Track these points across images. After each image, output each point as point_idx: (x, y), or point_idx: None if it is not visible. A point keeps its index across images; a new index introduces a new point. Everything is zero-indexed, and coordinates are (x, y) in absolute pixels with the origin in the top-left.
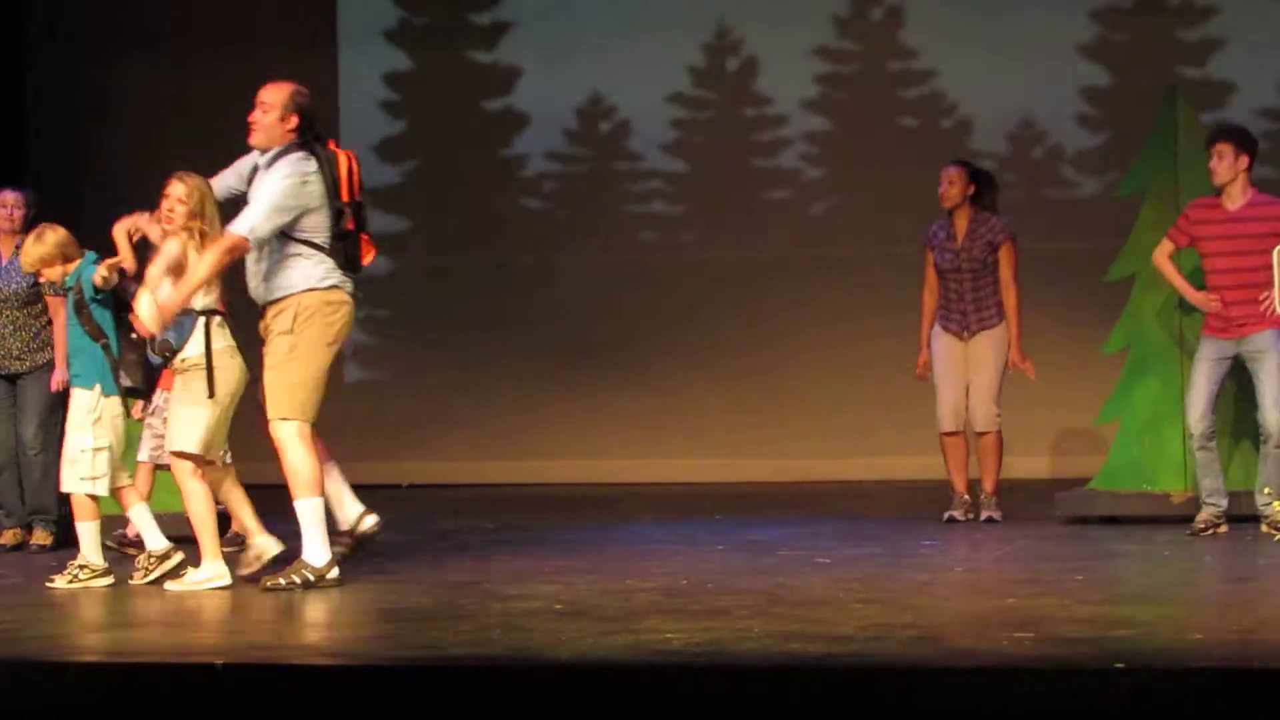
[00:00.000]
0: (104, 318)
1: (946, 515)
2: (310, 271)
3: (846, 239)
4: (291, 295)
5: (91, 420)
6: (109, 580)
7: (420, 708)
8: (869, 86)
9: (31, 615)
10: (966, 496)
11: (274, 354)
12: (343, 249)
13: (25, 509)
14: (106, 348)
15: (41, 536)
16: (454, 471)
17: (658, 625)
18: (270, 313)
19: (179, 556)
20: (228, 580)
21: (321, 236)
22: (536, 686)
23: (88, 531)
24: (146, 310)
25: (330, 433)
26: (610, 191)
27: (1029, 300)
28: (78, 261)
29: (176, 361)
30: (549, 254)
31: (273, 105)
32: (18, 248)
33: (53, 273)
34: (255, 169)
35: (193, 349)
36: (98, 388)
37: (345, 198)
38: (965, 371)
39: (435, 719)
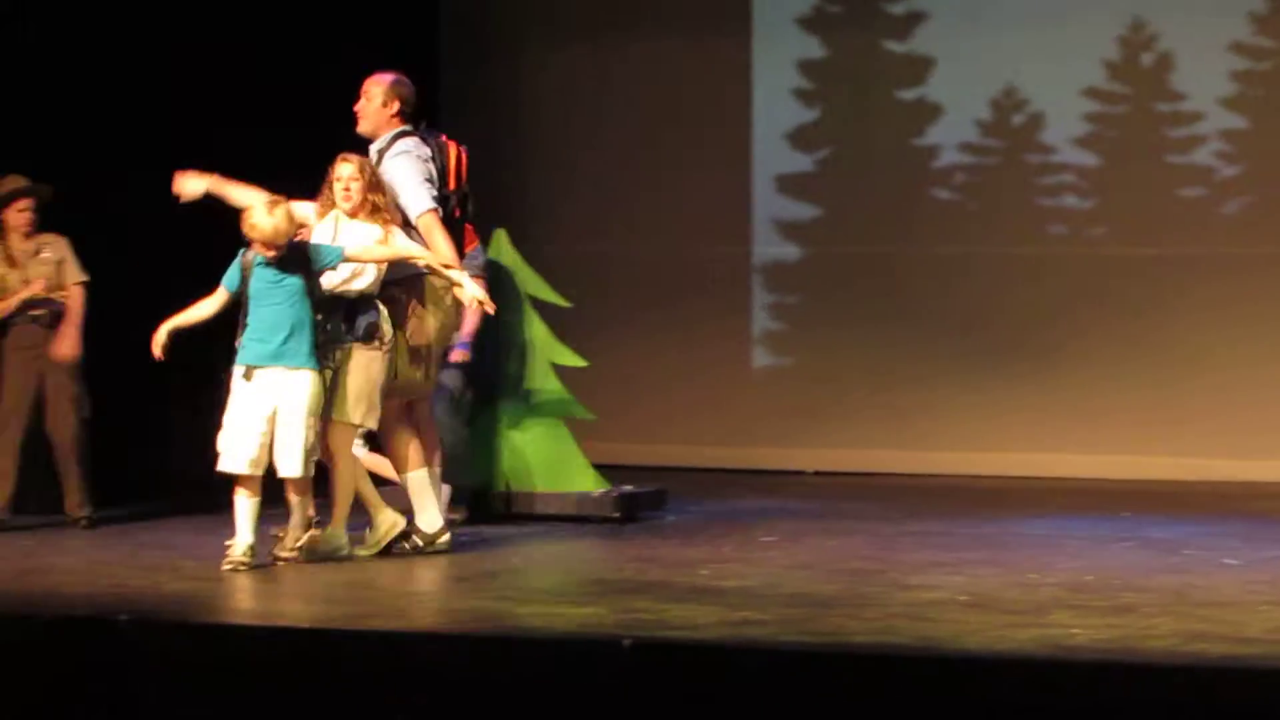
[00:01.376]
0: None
1: None
2: None
3: (1261, 239)
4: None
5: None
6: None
7: (821, 693)
8: None
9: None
10: None
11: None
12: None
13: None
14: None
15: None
16: (858, 460)
17: (1063, 620)
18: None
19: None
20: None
21: None
22: (941, 678)
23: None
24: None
25: (737, 418)
26: (1021, 184)
27: None
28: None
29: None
30: (958, 245)
31: (375, 94)
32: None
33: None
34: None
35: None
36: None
37: (452, 186)
38: None
39: (836, 705)
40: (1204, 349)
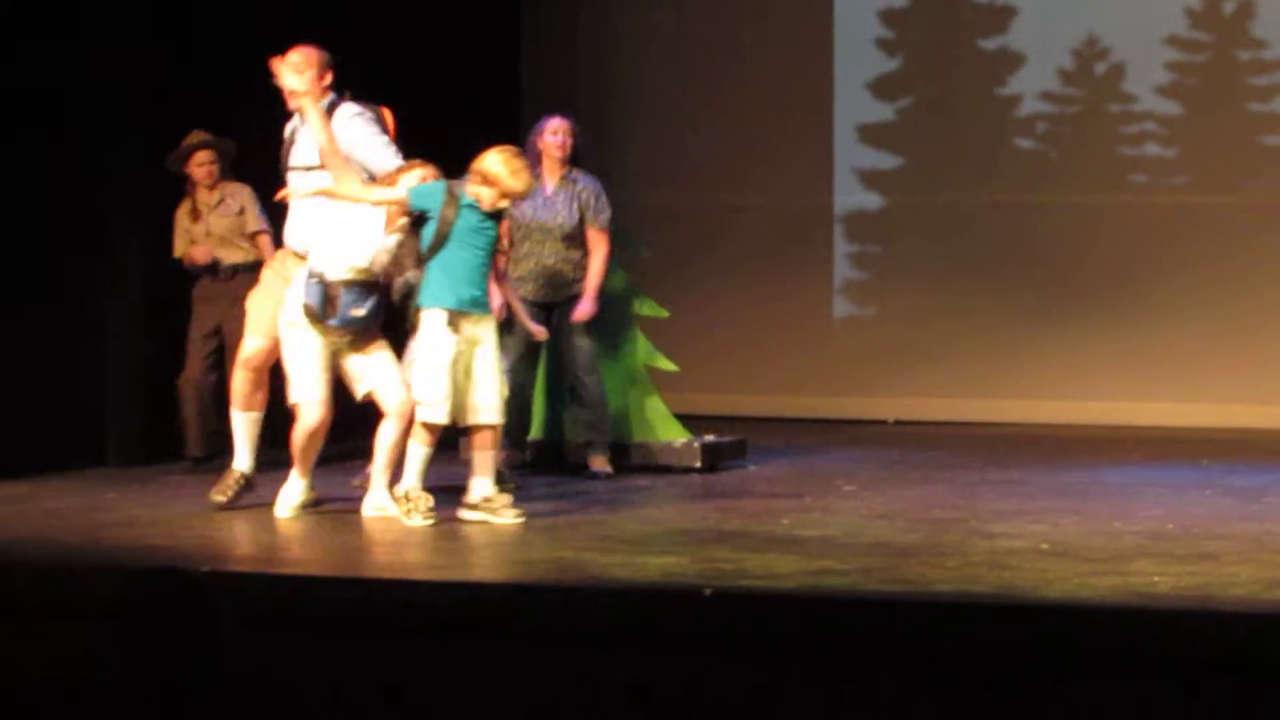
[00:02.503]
0: None
1: None
2: None
3: None
4: None
5: None
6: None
7: (901, 641)
8: None
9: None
10: None
11: None
12: None
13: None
14: None
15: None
16: (939, 409)
17: (1144, 568)
18: None
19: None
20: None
21: None
22: (1023, 626)
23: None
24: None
25: (818, 368)
26: (1102, 133)
27: None
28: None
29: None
30: (1039, 194)
31: (308, 65)
32: (564, 178)
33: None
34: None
35: None
36: None
37: None
38: None
39: (916, 652)
40: None
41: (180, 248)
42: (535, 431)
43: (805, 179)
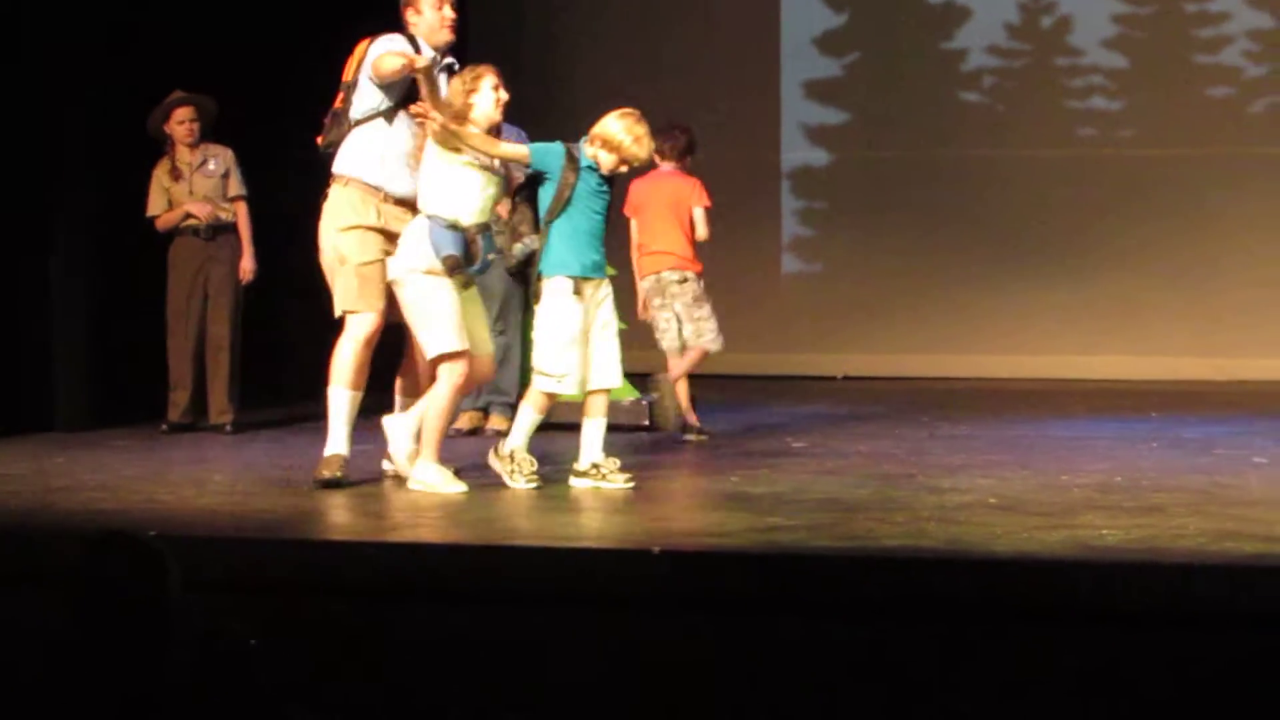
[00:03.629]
0: None
1: None
2: None
3: None
4: None
5: None
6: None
7: (852, 596)
8: None
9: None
10: None
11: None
12: None
13: (485, 392)
14: None
15: (498, 422)
16: (888, 364)
17: (1093, 521)
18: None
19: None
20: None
21: None
22: (972, 579)
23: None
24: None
25: (766, 324)
26: (1050, 87)
27: None
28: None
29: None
30: (987, 149)
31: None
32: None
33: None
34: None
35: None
36: None
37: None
38: None
39: (866, 607)
40: (1234, 248)
41: (157, 206)
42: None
43: (752, 135)
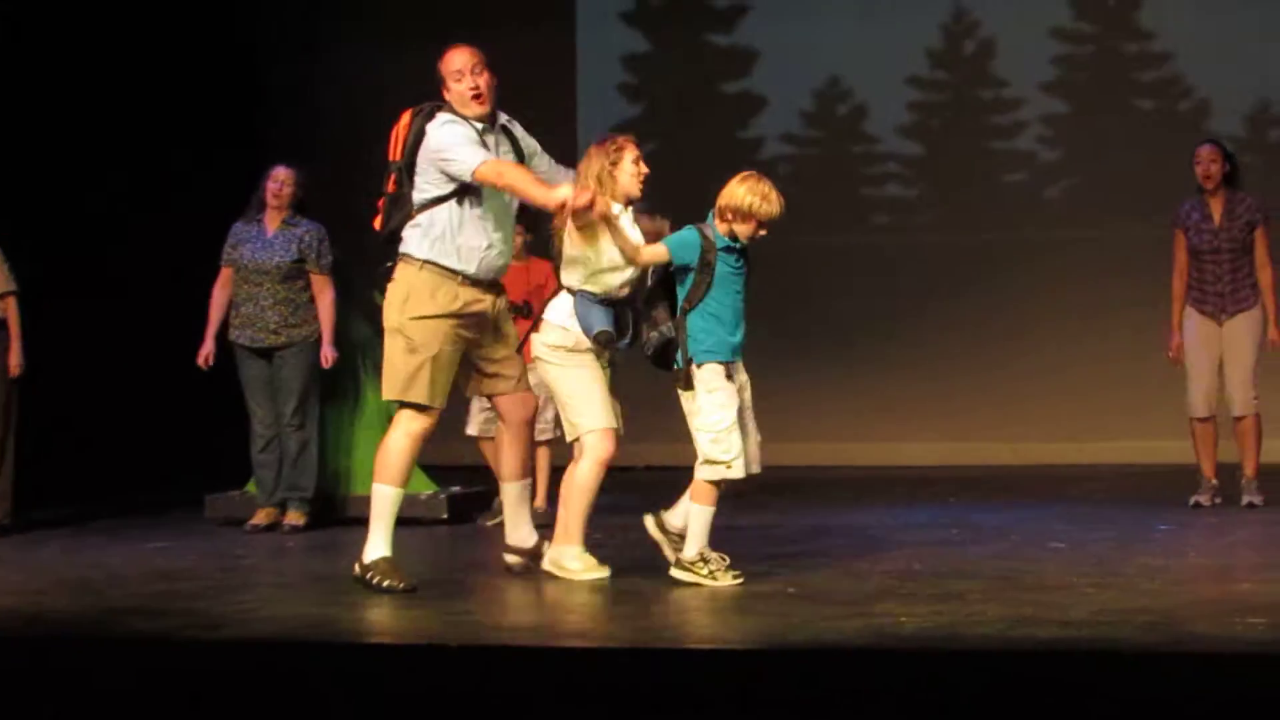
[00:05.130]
0: None
1: (1193, 500)
2: None
3: (1082, 222)
4: None
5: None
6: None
7: (644, 691)
8: (1105, 69)
9: (270, 596)
10: (1215, 482)
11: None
12: None
13: (281, 488)
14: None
15: (295, 517)
16: (690, 453)
17: (891, 609)
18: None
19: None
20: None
21: None
22: (769, 669)
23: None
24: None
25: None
26: (846, 174)
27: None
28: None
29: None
30: (784, 236)
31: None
32: (285, 222)
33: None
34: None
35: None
36: None
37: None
38: (1218, 355)
39: (663, 703)
40: (1029, 333)
41: None
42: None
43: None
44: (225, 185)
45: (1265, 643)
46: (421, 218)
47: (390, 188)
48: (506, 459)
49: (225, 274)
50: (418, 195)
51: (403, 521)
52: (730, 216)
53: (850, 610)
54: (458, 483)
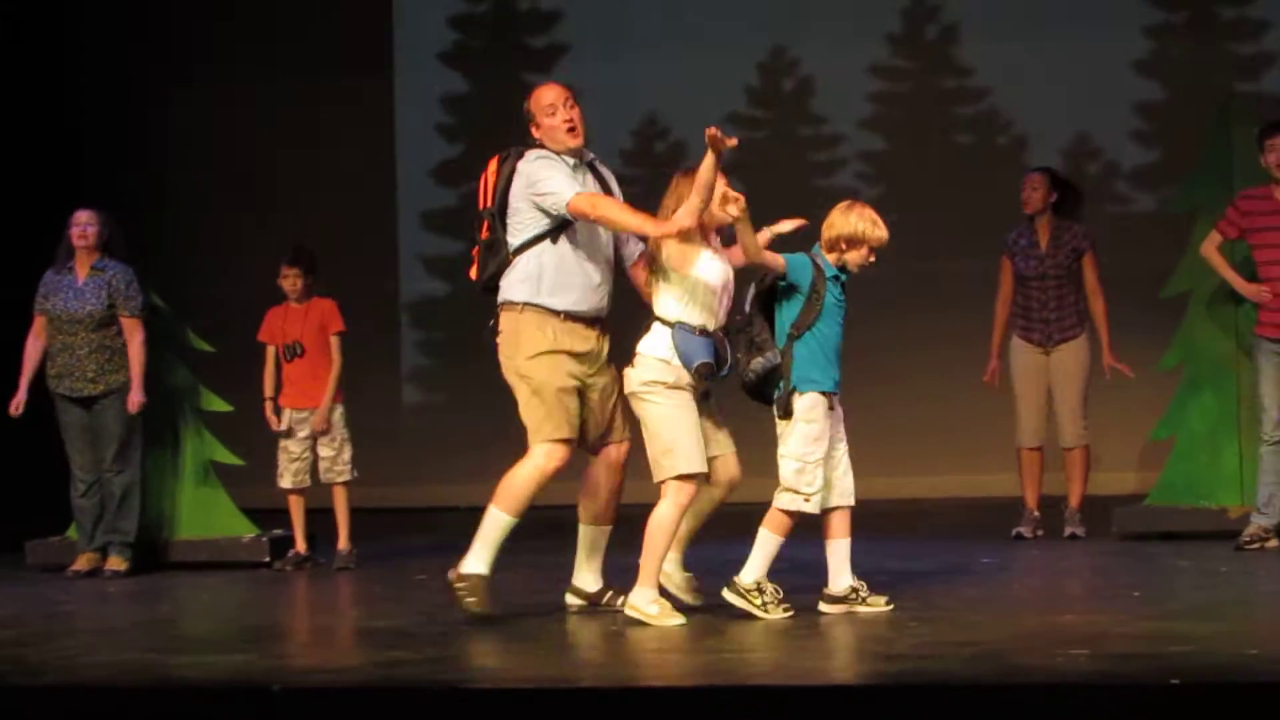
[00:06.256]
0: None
1: (1015, 532)
2: None
3: (906, 256)
4: None
5: None
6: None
7: None
8: (924, 105)
9: (93, 642)
10: (1037, 514)
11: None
12: None
13: (102, 532)
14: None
15: (116, 563)
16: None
17: (716, 646)
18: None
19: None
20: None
21: None
22: (591, 709)
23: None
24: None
25: (391, 457)
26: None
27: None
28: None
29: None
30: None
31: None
32: (94, 268)
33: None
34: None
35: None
36: None
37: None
38: (1046, 385)
39: None
40: (850, 367)
41: None
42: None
43: (372, 266)
44: (45, 233)
45: (1088, 674)
46: (518, 261)
47: (484, 234)
48: (596, 500)
49: (39, 323)
50: (513, 239)
51: (223, 565)
52: (844, 246)
53: (668, 647)
54: (279, 526)
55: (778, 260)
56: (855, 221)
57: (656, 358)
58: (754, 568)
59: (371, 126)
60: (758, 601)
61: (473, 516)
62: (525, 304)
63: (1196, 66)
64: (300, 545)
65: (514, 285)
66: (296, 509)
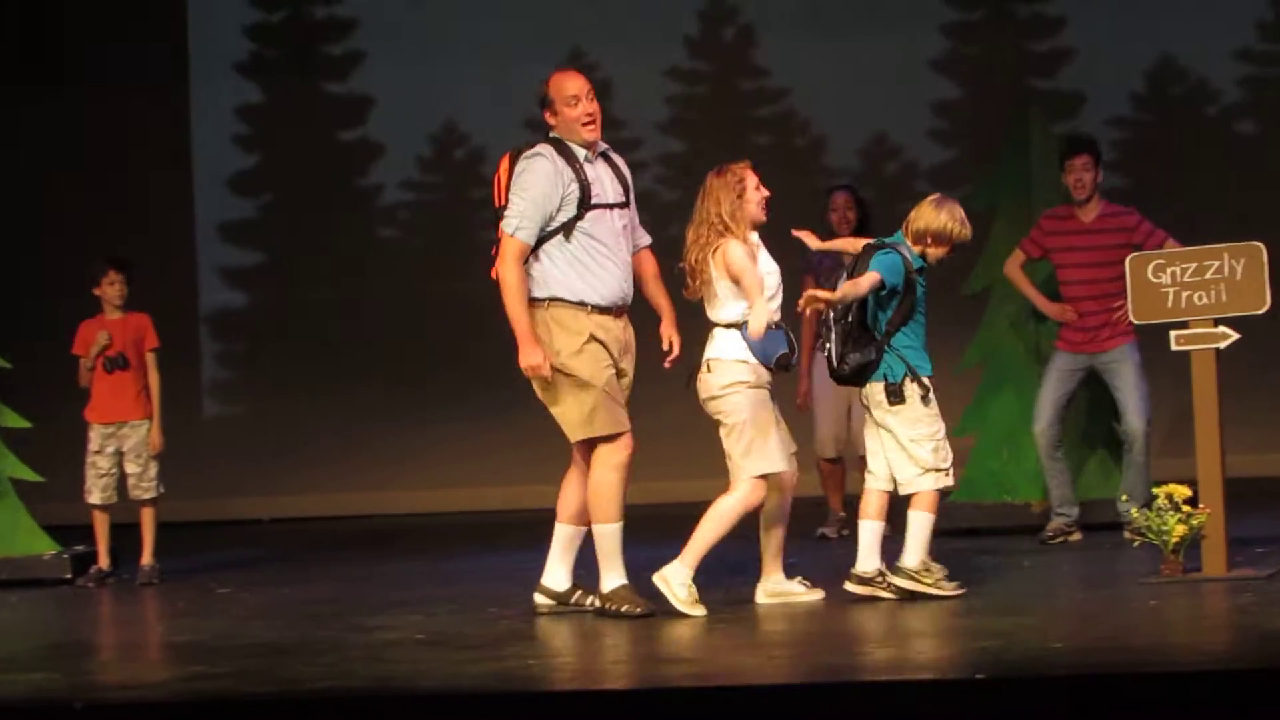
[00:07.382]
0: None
1: (819, 532)
2: None
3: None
4: None
5: None
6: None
7: None
8: (722, 106)
9: None
10: (842, 514)
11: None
12: None
13: None
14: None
15: None
16: (317, 504)
17: (521, 652)
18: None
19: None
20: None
21: None
22: (398, 717)
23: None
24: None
25: (189, 469)
26: (465, 221)
27: None
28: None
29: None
30: (408, 284)
31: None
32: None
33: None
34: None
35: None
36: None
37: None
38: (846, 398)
39: None
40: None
41: None
42: None
43: (169, 278)
44: None
45: (895, 669)
46: (534, 259)
47: (499, 233)
48: (574, 500)
49: None
50: None
51: (23, 583)
52: (929, 240)
53: (480, 654)
54: (80, 542)
55: (873, 279)
56: (945, 220)
57: (735, 359)
58: (916, 550)
59: (166, 136)
60: (928, 581)
61: (275, 528)
62: (550, 300)
63: (993, 64)
64: (103, 561)
65: (536, 283)
66: (101, 525)
